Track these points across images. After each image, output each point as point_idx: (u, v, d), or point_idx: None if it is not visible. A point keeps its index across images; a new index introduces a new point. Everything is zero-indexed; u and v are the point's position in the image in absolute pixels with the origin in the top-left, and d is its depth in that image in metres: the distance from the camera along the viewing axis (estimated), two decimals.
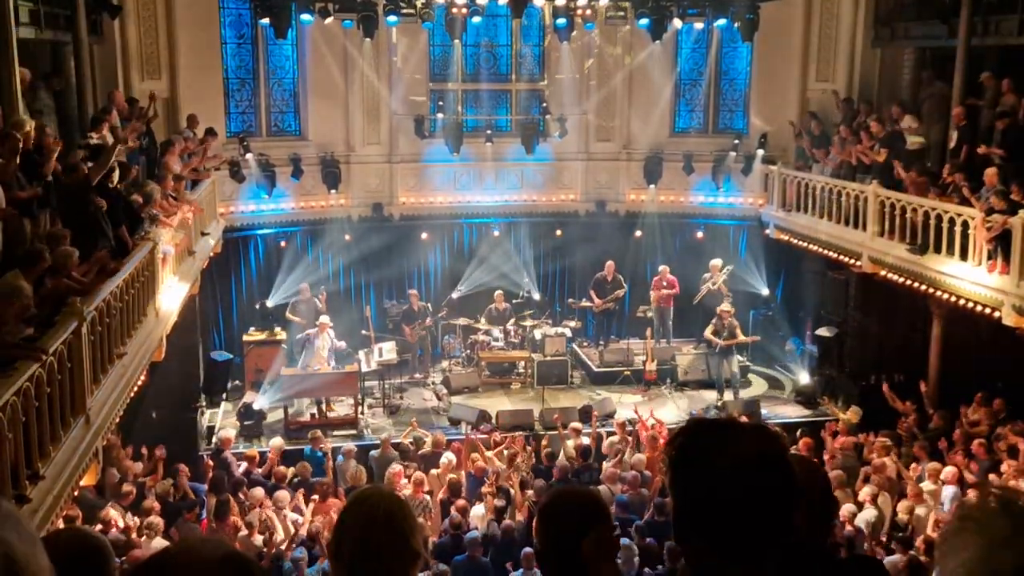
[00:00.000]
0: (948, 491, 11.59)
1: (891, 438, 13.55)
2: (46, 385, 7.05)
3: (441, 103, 18.94)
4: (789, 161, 18.57)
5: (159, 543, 9.96)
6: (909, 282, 14.44)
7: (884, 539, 11.11)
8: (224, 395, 17.02)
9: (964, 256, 13.16)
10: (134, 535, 10.64)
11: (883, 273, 15.13)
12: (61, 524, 7.59)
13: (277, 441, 14.28)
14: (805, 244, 17.50)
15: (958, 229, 13.25)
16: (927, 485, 11.88)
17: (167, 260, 12.19)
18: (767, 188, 18.95)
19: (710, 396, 17.12)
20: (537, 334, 17.99)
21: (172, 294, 12.42)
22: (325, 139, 18.82)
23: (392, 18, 17.26)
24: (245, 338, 17.37)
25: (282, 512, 11.67)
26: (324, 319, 16.64)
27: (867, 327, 16.68)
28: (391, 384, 17.24)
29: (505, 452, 13.65)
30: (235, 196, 18.03)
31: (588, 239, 19.27)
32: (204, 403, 16.31)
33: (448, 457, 13.28)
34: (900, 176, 14.88)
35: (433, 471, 13.14)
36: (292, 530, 11.46)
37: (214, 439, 15.07)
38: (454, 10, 16.93)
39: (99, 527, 10.18)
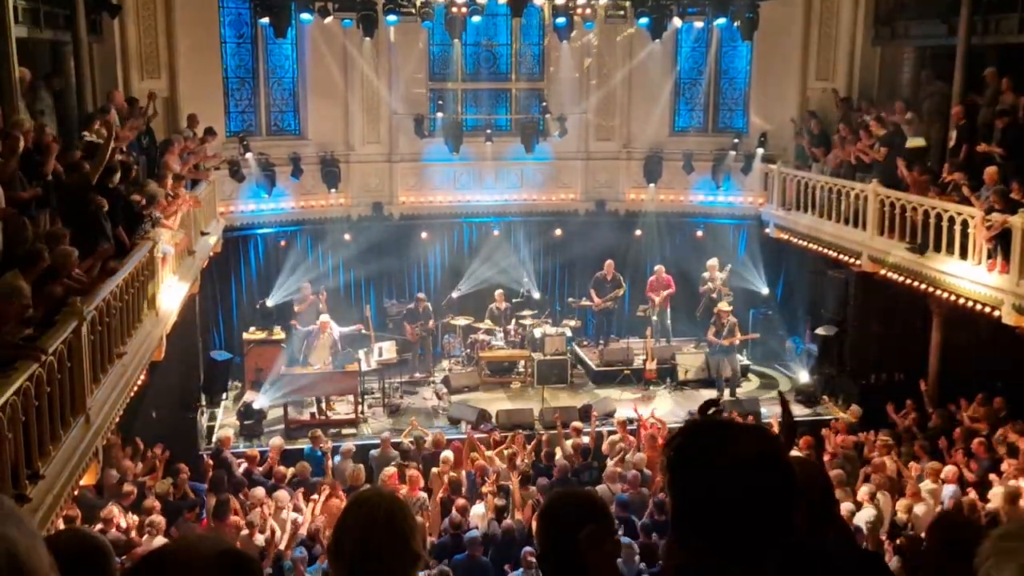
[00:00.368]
0: (948, 490, 11.60)
1: (891, 437, 13.56)
2: (46, 385, 7.05)
3: (441, 102, 18.94)
4: (789, 160, 18.57)
5: (160, 542, 9.96)
6: (909, 281, 14.44)
7: (883, 538, 11.10)
8: (224, 395, 17.03)
9: (964, 255, 13.16)
10: (134, 534, 10.64)
11: (883, 272, 15.13)
12: (61, 524, 7.60)
13: (277, 440, 14.28)
14: (805, 243, 17.51)
15: (958, 228, 13.25)
16: (927, 484, 11.87)
17: (167, 260, 12.19)
18: (767, 187, 18.95)
19: (710, 395, 17.08)
20: (537, 333, 18.00)
21: (172, 294, 12.42)
22: (325, 138, 18.82)
23: (392, 17, 17.25)
24: (245, 337, 17.37)
25: (282, 512, 11.67)
26: (324, 317, 16.65)
27: (867, 326, 16.67)
28: (391, 383, 17.23)
29: (505, 452, 13.66)
30: (235, 196, 18.03)
31: (588, 238, 19.28)
32: (204, 403, 16.31)
33: (448, 456, 13.28)
34: (903, 175, 14.87)
35: (433, 470, 13.15)
36: (292, 530, 11.46)
37: (214, 439, 15.08)
38: (454, 9, 16.93)
39: (99, 527, 10.18)
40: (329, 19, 16.85)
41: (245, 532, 11.05)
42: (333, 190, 18.65)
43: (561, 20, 17.45)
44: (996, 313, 12.53)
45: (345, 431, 15.73)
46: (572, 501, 2.72)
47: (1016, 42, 14.23)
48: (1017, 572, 1.14)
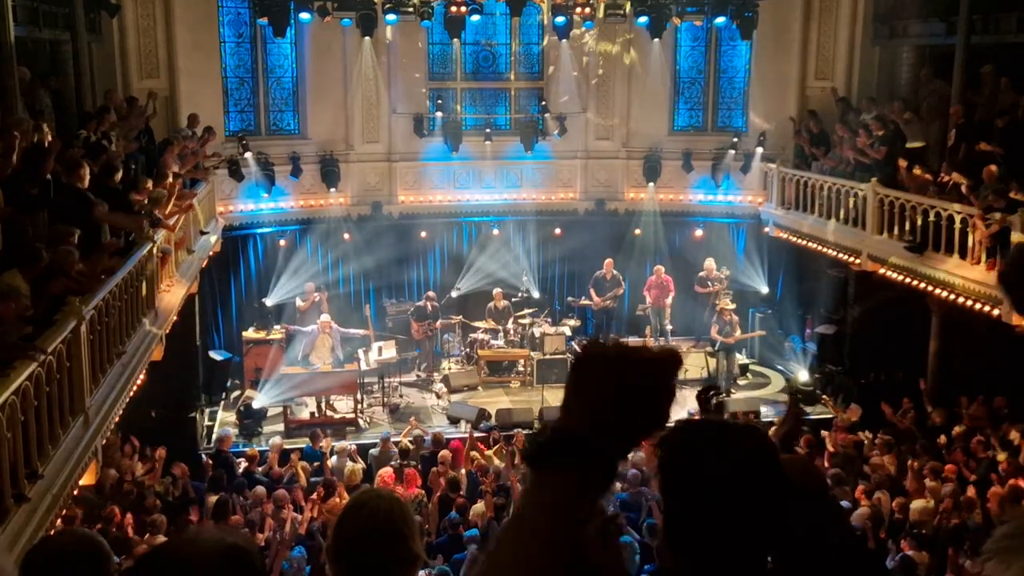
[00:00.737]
0: (947, 489, 11.60)
1: (891, 435, 13.56)
2: (45, 384, 7.05)
3: (440, 102, 18.94)
4: (788, 159, 18.57)
5: (162, 541, 9.94)
6: (908, 280, 14.45)
7: (883, 536, 11.11)
8: (223, 394, 17.03)
9: (963, 254, 13.16)
10: (131, 533, 10.63)
11: (882, 271, 15.14)
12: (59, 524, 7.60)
13: (277, 440, 14.29)
14: (804, 242, 17.52)
15: (957, 227, 13.25)
16: (926, 483, 11.88)
17: (167, 259, 12.18)
18: (766, 186, 18.96)
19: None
20: (536, 332, 18.00)
21: (171, 293, 12.42)
22: (324, 138, 18.82)
23: (391, 16, 17.27)
24: (244, 337, 17.37)
25: (282, 511, 11.67)
26: (325, 317, 16.66)
27: (866, 325, 16.66)
28: (391, 383, 17.23)
29: (504, 451, 13.66)
30: (234, 195, 18.03)
31: (587, 237, 19.27)
32: (203, 402, 16.31)
33: (446, 455, 13.28)
34: (902, 178, 14.87)
35: (433, 469, 13.14)
36: (291, 528, 11.46)
37: (214, 438, 15.07)
38: (453, 8, 16.93)
39: (98, 526, 10.17)
40: (328, 18, 16.84)
41: (245, 531, 11.04)
42: (332, 189, 18.65)
43: (560, 19, 17.46)
44: (995, 312, 12.53)
45: (345, 430, 15.71)
46: None
47: (1015, 41, 14.23)
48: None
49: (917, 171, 14.63)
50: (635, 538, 10.74)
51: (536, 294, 19.24)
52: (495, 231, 19.51)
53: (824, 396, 17.13)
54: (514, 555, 1.21)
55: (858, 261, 15.73)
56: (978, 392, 13.75)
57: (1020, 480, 11.16)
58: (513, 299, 18.67)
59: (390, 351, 17.22)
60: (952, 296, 13.50)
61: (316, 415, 16.16)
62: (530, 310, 18.57)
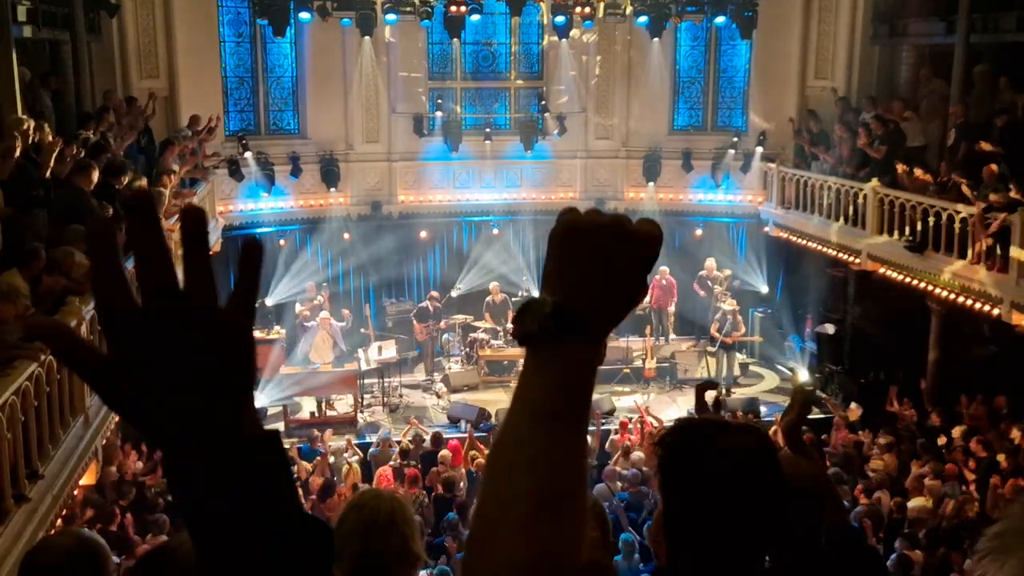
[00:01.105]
0: (947, 488, 11.60)
1: (891, 435, 13.56)
2: (45, 384, 7.06)
3: (440, 101, 18.94)
4: (788, 159, 18.57)
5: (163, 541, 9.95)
6: (908, 279, 14.45)
7: (882, 536, 11.12)
8: None
9: (963, 253, 13.16)
10: (132, 532, 10.63)
11: (882, 270, 15.15)
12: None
13: None
14: (804, 241, 17.52)
15: (957, 226, 13.26)
16: (926, 482, 11.88)
17: None
18: (766, 186, 18.95)
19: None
20: None
21: None
22: (324, 137, 18.82)
23: (391, 16, 17.28)
24: None
25: None
26: (324, 314, 16.66)
27: (866, 324, 16.68)
28: (390, 382, 17.23)
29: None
30: (234, 195, 18.03)
31: None
32: None
33: (446, 455, 13.29)
34: (903, 181, 14.87)
35: (433, 469, 13.14)
36: None
37: None
38: (453, 8, 16.93)
39: (99, 526, 10.17)
40: (328, 18, 16.85)
41: None
42: (332, 189, 18.65)
43: (560, 19, 17.45)
44: (995, 311, 12.54)
45: (344, 430, 15.71)
46: None
47: (1015, 40, 14.23)
48: (1019, 566, 1.14)
49: (918, 173, 14.63)
50: (636, 538, 10.75)
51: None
52: (495, 231, 19.51)
53: (824, 395, 17.12)
54: (538, 450, 1.05)
55: (858, 260, 15.73)
56: (978, 391, 13.75)
57: (1020, 480, 11.17)
58: (513, 299, 18.65)
59: (390, 350, 17.21)
60: (952, 295, 13.50)
61: (316, 415, 16.16)
62: None
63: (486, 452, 13.57)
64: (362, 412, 16.34)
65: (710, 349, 17.79)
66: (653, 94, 19.58)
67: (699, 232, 19.61)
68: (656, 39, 18.11)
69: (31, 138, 9.65)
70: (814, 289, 18.36)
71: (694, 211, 19.80)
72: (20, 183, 8.86)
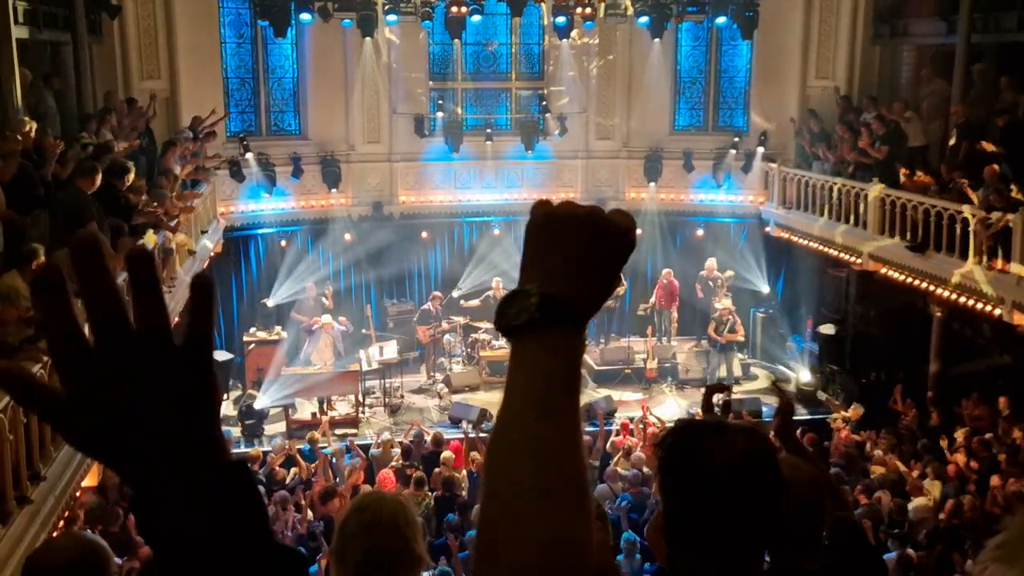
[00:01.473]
0: (948, 489, 11.61)
1: (892, 435, 13.56)
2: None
3: (441, 102, 18.94)
4: (789, 159, 18.57)
5: None
6: (909, 279, 14.45)
7: (883, 536, 11.12)
8: (225, 395, 17.03)
9: (964, 254, 13.16)
10: (135, 534, 10.65)
11: (883, 270, 15.14)
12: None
13: (279, 441, 14.29)
14: (805, 242, 17.52)
15: (958, 226, 13.25)
16: (927, 483, 11.89)
17: (168, 260, 12.19)
18: (767, 186, 18.95)
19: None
20: None
21: (172, 294, 12.41)
22: (325, 138, 18.83)
23: (392, 17, 17.28)
24: (246, 338, 17.37)
25: (283, 513, 11.68)
26: (326, 318, 16.66)
27: (867, 324, 16.69)
28: (392, 383, 17.23)
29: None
30: (235, 196, 18.04)
31: None
32: None
33: (449, 456, 13.29)
34: (904, 183, 14.87)
35: (435, 470, 13.15)
36: (293, 529, 11.47)
37: None
38: (454, 9, 16.94)
39: (100, 527, 10.18)
40: (329, 19, 16.86)
41: None
42: (333, 190, 18.65)
43: (561, 19, 17.45)
44: (996, 311, 12.53)
45: (346, 431, 15.72)
46: None
47: (1016, 40, 14.22)
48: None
49: (919, 176, 14.63)
50: (638, 538, 10.76)
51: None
52: (496, 231, 19.49)
53: (826, 396, 17.13)
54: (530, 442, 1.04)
55: (859, 260, 15.72)
56: (979, 392, 13.75)
57: (1021, 480, 11.17)
58: None
59: (391, 351, 17.21)
60: (953, 295, 13.50)
61: (317, 416, 16.17)
62: None
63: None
64: (363, 413, 16.34)
65: (709, 349, 17.76)
66: (654, 94, 19.57)
67: (700, 232, 19.61)
68: (657, 39, 18.11)
69: (32, 140, 9.66)
70: (815, 289, 18.37)
71: (695, 211, 19.80)
72: (22, 184, 8.87)
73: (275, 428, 15.83)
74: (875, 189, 15.26)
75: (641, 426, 14.64)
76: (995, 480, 11.50)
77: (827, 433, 14.66)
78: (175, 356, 0.94)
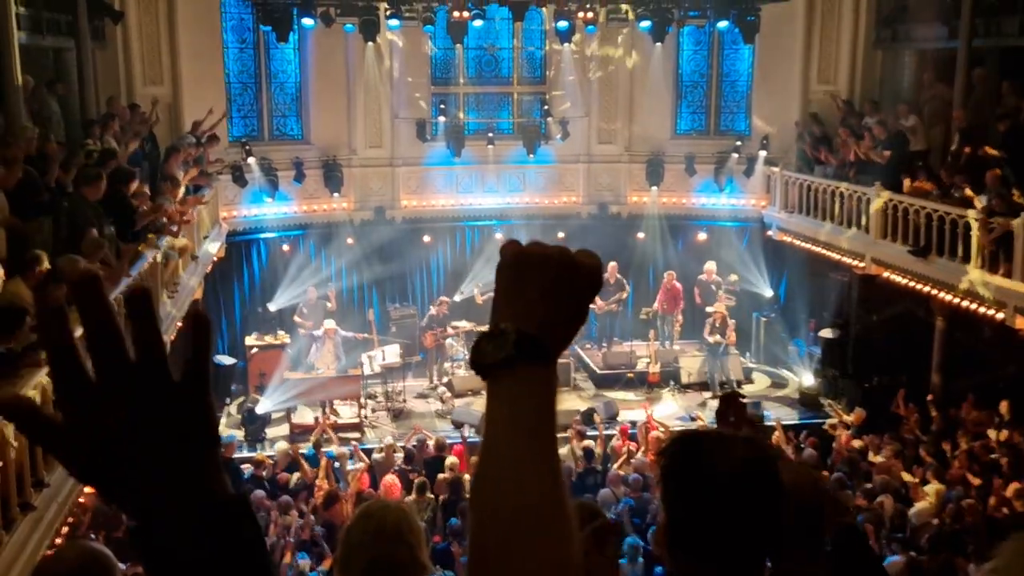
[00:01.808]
0: (950, 494, 11.60)
1: (894, 440, 13.55)
2: (51, 393, 7.07)
3: (443, 106, 18.97)
4: (791, 163, 18.58)
5: None
6: (911, 284, 14.45)
7: (885, 541, 11.11)
8: (227, 399, 17.05)
9: (966, 258, 13.16)
10: None
11: (885, 275, 15.14)
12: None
13: (283, 445, 14.30)
14: (807, 245, 17.52)
15: (960, 231, 13.26)
16: (929, 487, 11.88)
17: (170, 265, 12.22)
18: (769, 190, 18.96)
19: (711, 398, 17.13)
20: None
21: (175, 299, 12.44)
22: (327, 142, 18.85)
23: (394, 22, 17.30)
24: (248, 342, 17.38)
25: (286, 517, 11.69)
26: (329, 323, 16.67)
27: (869, 329, 16.68)
28: (394, 387, 17.23)
29: None
30: (237, 200, 18.05)
31: (590, 241, 19.19)
32: None
33: (454, 462, 13.28)
34: (907, 188, 14.89)
35: (439, 476, 13.14)
36: (295, 535, 11.47)
37: None
38: (456, 13, 16.96)
39: (103, 532, 10.19)
40: (331, 24, 16.89)
41: None
42: (336, 194, 18.67)
43: (563, 24, 17.47)
44: (999, 316, 12.53)
45: (349, 435, 15.73)
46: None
47: (1017, 44, 14.23)
48: None
49: (920, 183, 14.64)
50: (641, 543, 10.76)
51: None
52: (498, 235, 19.48)
53: (828, 400, 17.12)
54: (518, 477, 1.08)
55: (862, 265, 15.73)
56: (982, 396, 13.74)
57: (1022, 483, 11.16)
58: None
59: (394, 356, 17.21)
60: (956, 300, 13.49)
61: (319, 420, 16.16)
62: None
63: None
64: (366, 417, 16.35)
65: (705, 352, 17.79)
66: (656, 98, 19.59)
67: (702, 236, 19.62)
68: (659, 44, 18.13)
69: (36, 146, 9.68)
70: (817, 293, 18.37)
71: (697, 215, 19.81)
72: (26, 191, 8.89)
73: (277, 432, 15.84)
74: (878, 201, 15.24)
75: (644, 431, 14.62)
76: (997, 484, 11.50)
77: (828, 437, 14.66)
78: (173, 389, 0.97)
